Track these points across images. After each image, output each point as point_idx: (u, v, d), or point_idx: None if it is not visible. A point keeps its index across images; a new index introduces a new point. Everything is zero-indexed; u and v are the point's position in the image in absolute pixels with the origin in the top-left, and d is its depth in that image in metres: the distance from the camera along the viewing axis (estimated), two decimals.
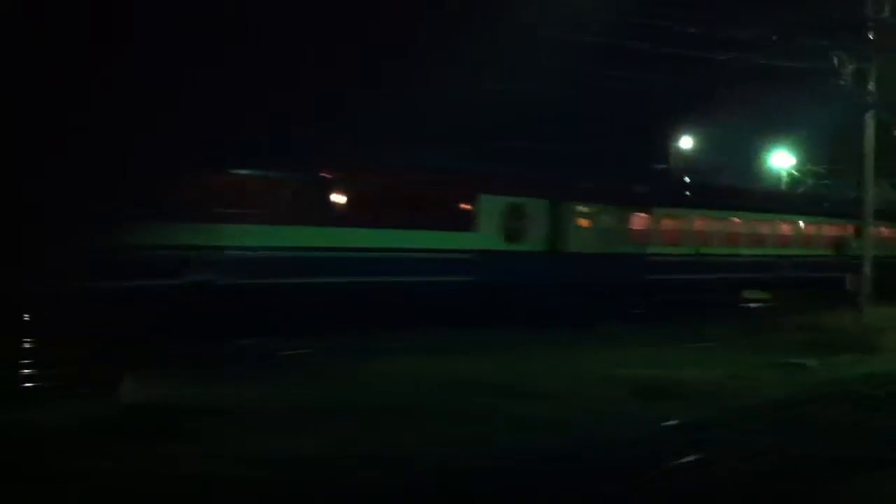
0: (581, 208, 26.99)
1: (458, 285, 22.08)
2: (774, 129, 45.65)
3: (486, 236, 23.66)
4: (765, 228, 33.26)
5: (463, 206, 23.83)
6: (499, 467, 9.27)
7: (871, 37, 22.25)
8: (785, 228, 33.79)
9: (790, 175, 47.28)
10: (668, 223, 29.90)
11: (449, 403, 12.34)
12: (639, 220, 29.00)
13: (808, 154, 47.07)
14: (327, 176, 20.76)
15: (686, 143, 47.10)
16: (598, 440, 10.92)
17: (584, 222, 27.16)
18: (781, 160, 47.97)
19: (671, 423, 11.84)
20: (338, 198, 20.97)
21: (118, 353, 13.55)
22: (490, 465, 9.32)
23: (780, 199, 38.27)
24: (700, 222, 30.80)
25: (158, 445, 9.51)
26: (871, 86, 22.54)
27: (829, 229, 35.05)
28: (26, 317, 14.80)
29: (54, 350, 14.31)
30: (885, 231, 35.09)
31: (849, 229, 32.34)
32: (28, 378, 13.47)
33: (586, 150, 32.24)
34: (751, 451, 10.55)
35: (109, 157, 11.57)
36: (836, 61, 21.74)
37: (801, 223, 34.48)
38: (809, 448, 10.88)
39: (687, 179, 42.24)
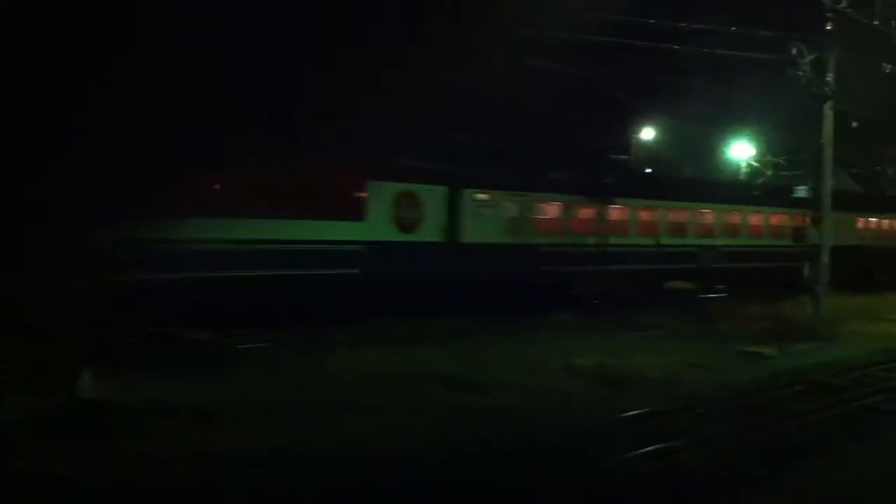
0: (483, 196, 25.35)
1: (344, 278, 20.58)
2: (735, 120, 45.90)
3: (374, 226, 22.31)
4: (709, 219, 32.64)
5: (351, 194, 22.42)
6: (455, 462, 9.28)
7: (829, 27, 22.37)
8: (733, 218, 33.57)
9: (749, 166, 47.64)
10: (585, 213, 28.26)
11: (406, 397, 12.20)
12: (552, 210, 27.51)
13: (768, 145, 47.47)
14: None
15: (647, 134, 47.20)
16: (558, 431, 10.93)
17: (487, 211, 25.44)
18: (741, 151, 48.29)
19: (632, 413, 11.81)
20: (215, 187, 19.66)
21: (76, 349, 13.37)
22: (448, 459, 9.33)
23: (730, 190, 37.63)
24: (622, 212, 29.26)
25: (102, 443, 9.41)
26: (829, 77, 22.66)
27: (787, 220, 35.12)
28: None
29: (9, 345, 14.12)
30: (842, 221, 35.45)
31: (806, 219, 32.55)
32: None
33: (534, 143, 31.93)
34: (708, 440, 10.61)
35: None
36: (794, 52, 21.81)
37: (754, 213, 34.52)
38: (767, 435, 10.98)
39: (648, 170, 42.53)
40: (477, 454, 9.61)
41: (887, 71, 24.88)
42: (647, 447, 9.88)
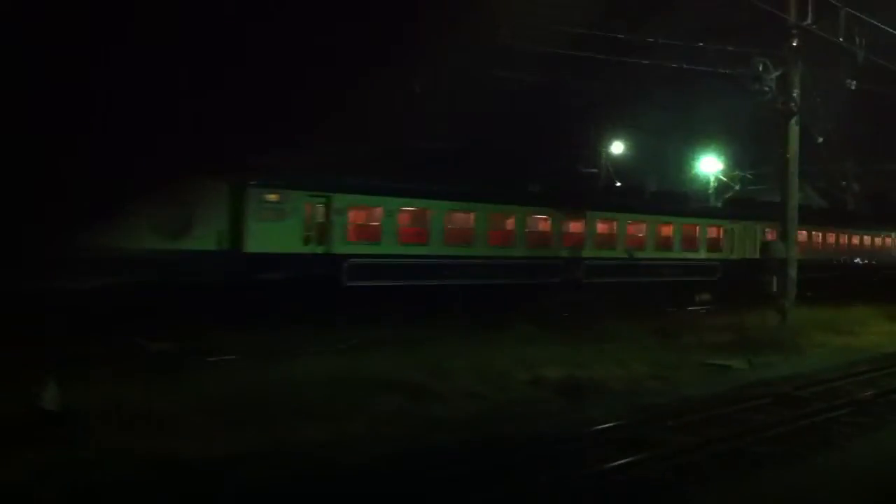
0: (274, 197, 21.58)
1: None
2: (702, 134, 46.31)
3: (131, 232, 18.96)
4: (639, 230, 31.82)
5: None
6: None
7: (794, 43, 22.57)
8: (685, 231, 33.61)
9: (717, 179, 48.00)
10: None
11: (368, 406, 12.18)
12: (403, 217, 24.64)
13: (735, 158, 47.87)
14: None
15: (616, 147, 47.48)
16: (523, 440, 10.94)
17: (283, 214, 21.78)
18: (709, 165, 48.64)
19: (599, 426, 11.85)
20: None
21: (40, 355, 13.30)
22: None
23: (676, 201, 36.10)
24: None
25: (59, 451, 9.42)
26: (795, 93, 22.85)
27: (753, 232, 35.31)
28: None
29: None
30: (807, 235, 35.80)
31: (773, 233, 32.78)
32: None
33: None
34: (670, 451, 10.66)
35: None
36: (760, 67, 21.98)
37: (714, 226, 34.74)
38: (730, 448, 11.04)
39: (618, 184, 42.72)
40: (436, 464, 9.66)
41: (852, 87, 25.04)
42: (611, 461, 9.97)
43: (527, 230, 28.22)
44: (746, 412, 13.46)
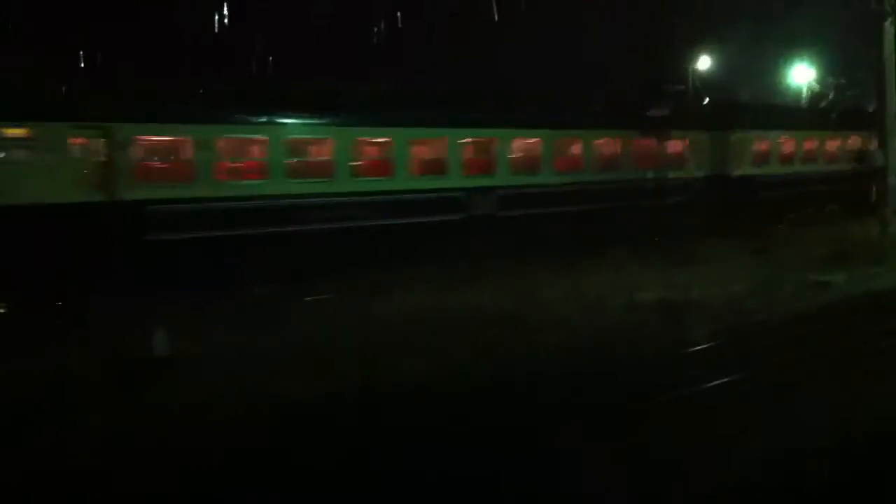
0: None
1: None
2: (793, 43, 45.06)
3: None
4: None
5: None
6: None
7: None
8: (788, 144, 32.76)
9: (811, 88, 46.64)
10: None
11: (468, 338, 12.38)
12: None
13: (828, 67, 46.43)
14: None
15: (703, 62, 46.49)
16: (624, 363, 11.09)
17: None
18: (801, 74, 47.28)
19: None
20: None
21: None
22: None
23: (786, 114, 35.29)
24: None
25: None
26: None
27: (851, 142, 34.37)
28: None
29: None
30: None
31: (871, 140, 31.87)
32: None
33: None
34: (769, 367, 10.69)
35: None
36: None
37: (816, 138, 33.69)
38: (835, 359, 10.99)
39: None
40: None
41: None
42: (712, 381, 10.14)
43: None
44: (850, 324, 13.30)
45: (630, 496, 6.99)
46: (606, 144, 26.87)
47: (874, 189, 24.09)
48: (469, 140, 23.44)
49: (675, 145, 28.60)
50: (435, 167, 22.85)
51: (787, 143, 32.23)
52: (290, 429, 8.80)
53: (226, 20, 27.92)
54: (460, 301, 15.07)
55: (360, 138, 21.55)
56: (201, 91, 20.14)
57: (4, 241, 15.26)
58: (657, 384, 9.92)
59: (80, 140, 17.22)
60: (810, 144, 33.24)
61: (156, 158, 18.73)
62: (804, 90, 46.87)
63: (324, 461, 7.89)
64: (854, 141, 33.81)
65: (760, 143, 31.24)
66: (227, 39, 29.62)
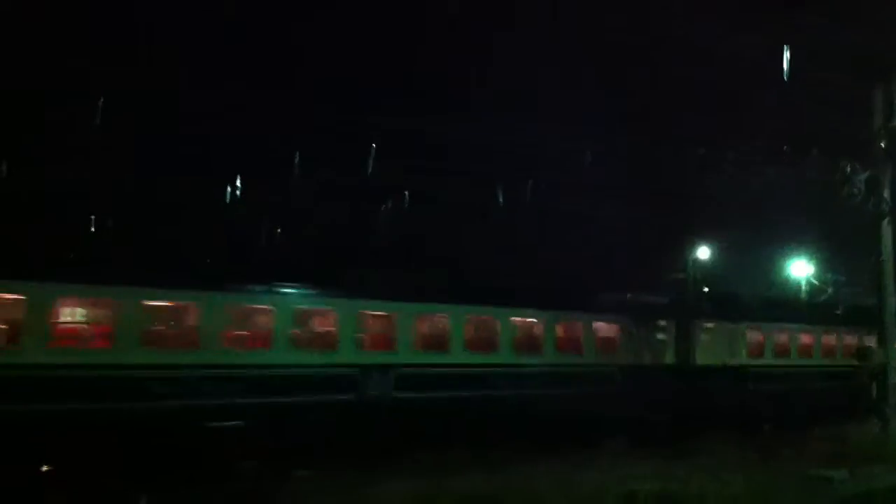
0: None
1: None
2: (791, 237, 45.70)
3: None
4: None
5: None
6: None
7: (882, 144, 22.33)
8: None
9: (810, 283, 46.98)
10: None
11: None
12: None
13: (828, 262, 46.91)
14: None
15: (703, 253, 47.03)
16: None
17: None
18: (800, 269, 47.75)
19: None
20: None
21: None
22: None
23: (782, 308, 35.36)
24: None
25: None
26: (885, 193, 22.50)
27: (849, 338, 34.41)
28: None
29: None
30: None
31: (870, 338, 31.84)
32: None
33: None
34: None
35: None
36: (847, 170, 21.75)
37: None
38: None
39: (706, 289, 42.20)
40: None
41: None
42: None
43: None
44: None
45: None
46: (532, 326, 25.62)
47: (874, 386, 23.86)
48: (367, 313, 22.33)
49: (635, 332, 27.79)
50: (323, 341, 21.52)
51: (782, 336, 32.32)
52: None
53: None
54: None
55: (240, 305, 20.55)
56: None
57: None
58: None
59: None
60: (808, 339, 33.31)
61: None
62: (803, 285, 47.22)
63: None
64: (854, 337, 33.84)
65: (755, 335, 31.30)
66: None
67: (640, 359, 27.21)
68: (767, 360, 31.06)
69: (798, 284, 47.50)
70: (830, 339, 34.03)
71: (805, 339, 33.04)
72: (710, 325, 29.23)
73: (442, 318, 23.68)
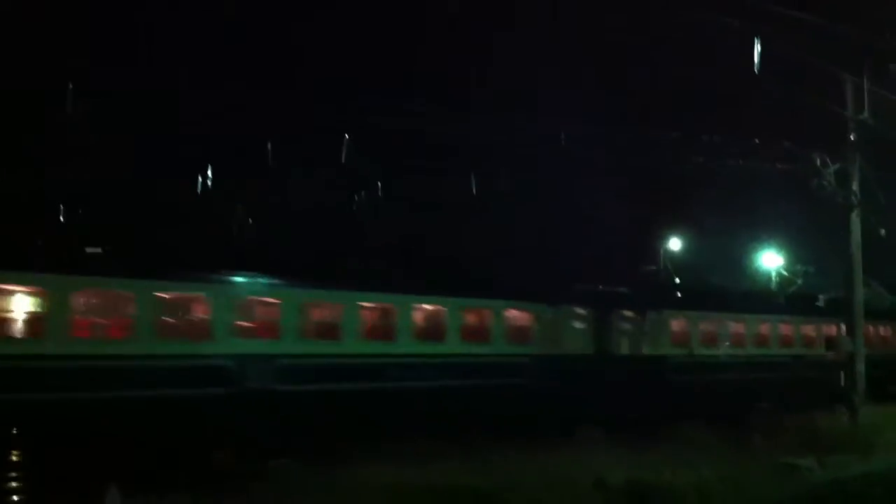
0: None
1: None
2: (762, 228, 46.10)
3: None
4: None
5: None
6: None
7: (851, 137, 22.55)
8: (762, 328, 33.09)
9: (779, 274, 47.34)
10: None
11: None
12: None
13: (797, 253, 47.29)
14: None
15: (675, 244, 47.38)
16: None
17: None
18: (770, 260, 48.12)
19: None
20: None
21: None
22: None
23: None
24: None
25: None
26: (854, 186, 22.73)
27: (820, 329, 34.74)
28: None
29: None
30: (875, 330, 34.71)
31: (840, 328, 32.17)
32: None
33: None
34: None
35: None
36: (818, 162, 21.97)
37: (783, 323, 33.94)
38: None
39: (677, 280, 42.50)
40: None
41: None
42: None
43: None
44: None
45: None
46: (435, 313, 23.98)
47: (843, 375, 24.15)
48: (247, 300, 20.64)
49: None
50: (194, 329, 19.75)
51: (761, 327, 32.55)
52: None
53: None
54: None
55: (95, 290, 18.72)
56: None
57: None
58: None
59: None
60: (785, 330, 33.53)
61: None
62: (773, 276, 47.55)
63: None
64: (824, 327, 34.20)
65: (728, 325, 31.46)
66: None
67: (555, 348, 25.68)
68: (697, 349, 30.13)
69: (768, 275, 47.85)
70: (787, 329, 34.17)
71: (741, 328, 32.71)
72: (629, 313, 28.08)
73: (335, 305, 22.05)
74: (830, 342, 32.90)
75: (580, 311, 26.78)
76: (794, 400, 27.87)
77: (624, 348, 27.92)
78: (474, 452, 16.58)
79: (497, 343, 24.68)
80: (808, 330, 34.69)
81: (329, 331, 21.72)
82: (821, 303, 35.54)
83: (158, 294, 19.13)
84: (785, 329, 33.92)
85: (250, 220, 26.21)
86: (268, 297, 20.96)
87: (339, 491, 13.33)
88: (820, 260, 43.43)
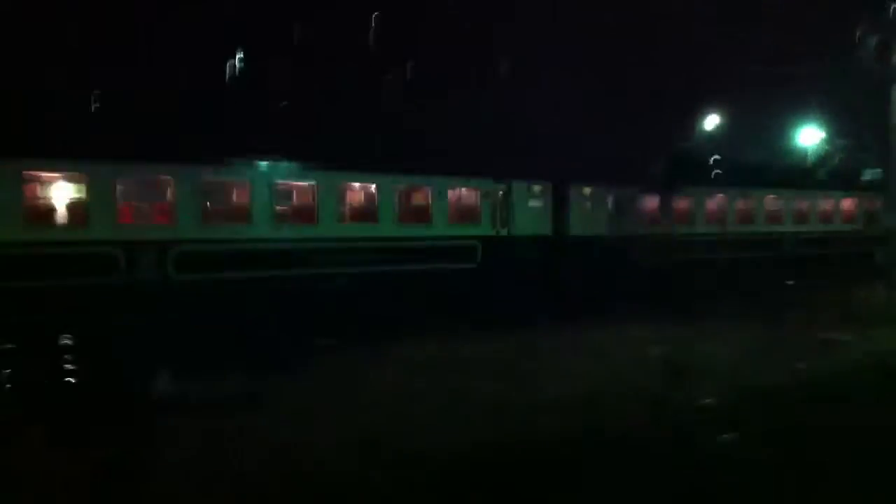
0: None
1: None
2: (801, 105, 45.29)
3: None
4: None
5: None
6: None
7: (893, 8, 22.06)
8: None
9: (817, 150, 46.73)
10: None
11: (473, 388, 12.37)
12: None
13: (836, 129, 46.58)
14: None
15: (711, 121, 46.79)
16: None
17: None
18: (809, 136, 47.45)
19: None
20: None
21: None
22: None
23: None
24: None
25: None
26: (895, 58, 22.32)
27: (857, 204, 34.54)
28: None
29: None
30: None
31: (877, 203, 32.02)
32: None
33: None
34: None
35: None
36: (858, 35, 21.57)
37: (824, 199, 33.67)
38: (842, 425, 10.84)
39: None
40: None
41: None
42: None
43: None
44: (858, 388, 13.20)
45: None
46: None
47: (879, 251, 24.13)
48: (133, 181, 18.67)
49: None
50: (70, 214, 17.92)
51: (799, 203, 32.31)
52: None
53: None
54: None
55: None
56: None
57: None
58: None
59: None
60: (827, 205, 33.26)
61: None
62: (810, 152, 46.94)
63: None
64: (864, 202, 33.95)
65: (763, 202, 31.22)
66: None
67: (510, 229, 24.13)
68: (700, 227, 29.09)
69: (806, 152, 47.24)
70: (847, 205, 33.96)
71: (779, 204, 32.58)
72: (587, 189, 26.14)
73: (240, 184, 20.26)
74: (871, 218, 32.74)
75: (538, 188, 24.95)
76: (833, 275, 27.98)
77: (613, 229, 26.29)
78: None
79: (438, 224, 23.00)
80: (847, 205, 34.44)
81: (237, 214, 20.07)
82: (869, 176, 34.90)
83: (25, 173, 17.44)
84: (823, 205, 33.67)
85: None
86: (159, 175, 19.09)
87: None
88: (859, 135, 42.89)
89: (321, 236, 20.61)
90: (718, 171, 33.09)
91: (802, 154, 47.45)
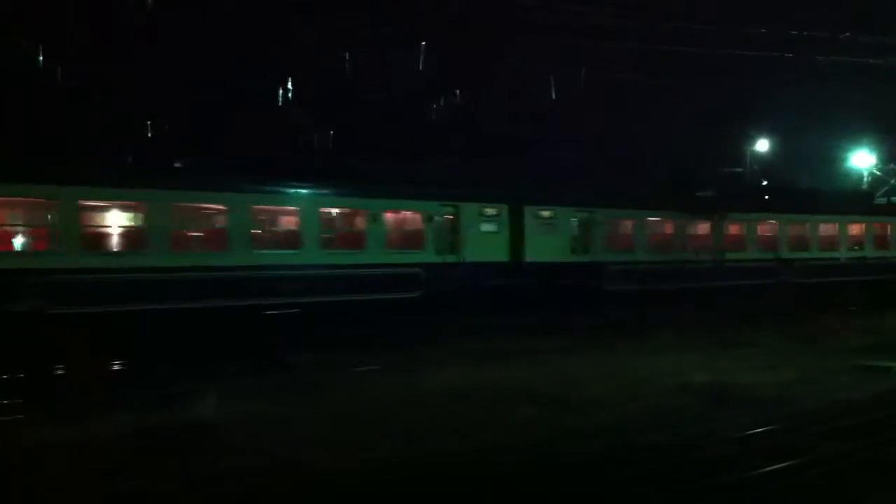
0: None
1: None
2: (851, 128, 44.78)
3: None
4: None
5: None
6: None
7: None
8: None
9: (871, 175, 46.03)
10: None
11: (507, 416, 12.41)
12: None
13: (890, 152, 45.87)
14: None
15: (762, 145, 46.47)
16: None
17: None
18: (862, 160, 46.82)
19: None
20: None
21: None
22: None
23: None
24: None
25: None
26: None
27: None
28: None
29: None
30: None
31: None
32: None
33: None
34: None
35: None
36: None
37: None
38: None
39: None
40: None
41: None
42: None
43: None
44: None
45: None
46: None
47: None
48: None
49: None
50: None
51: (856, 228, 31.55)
52: None
53: None
54: None
55: None
56: None
57: None
58: None
59: None
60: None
61: None
62: (864, 175, 46.20)
63: None
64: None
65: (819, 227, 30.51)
66: None
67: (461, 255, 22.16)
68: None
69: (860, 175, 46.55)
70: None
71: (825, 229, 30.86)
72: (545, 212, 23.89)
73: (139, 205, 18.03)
74: None
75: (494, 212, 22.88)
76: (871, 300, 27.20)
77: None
78: None
79: (373, 251, 20.89)
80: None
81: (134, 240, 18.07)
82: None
83: None
84: (867, 229, 32.58)
85: None
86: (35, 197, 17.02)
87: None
88: None
89: (233, 265, 18.50)
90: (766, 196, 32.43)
91: (857, 178, 46.80)
